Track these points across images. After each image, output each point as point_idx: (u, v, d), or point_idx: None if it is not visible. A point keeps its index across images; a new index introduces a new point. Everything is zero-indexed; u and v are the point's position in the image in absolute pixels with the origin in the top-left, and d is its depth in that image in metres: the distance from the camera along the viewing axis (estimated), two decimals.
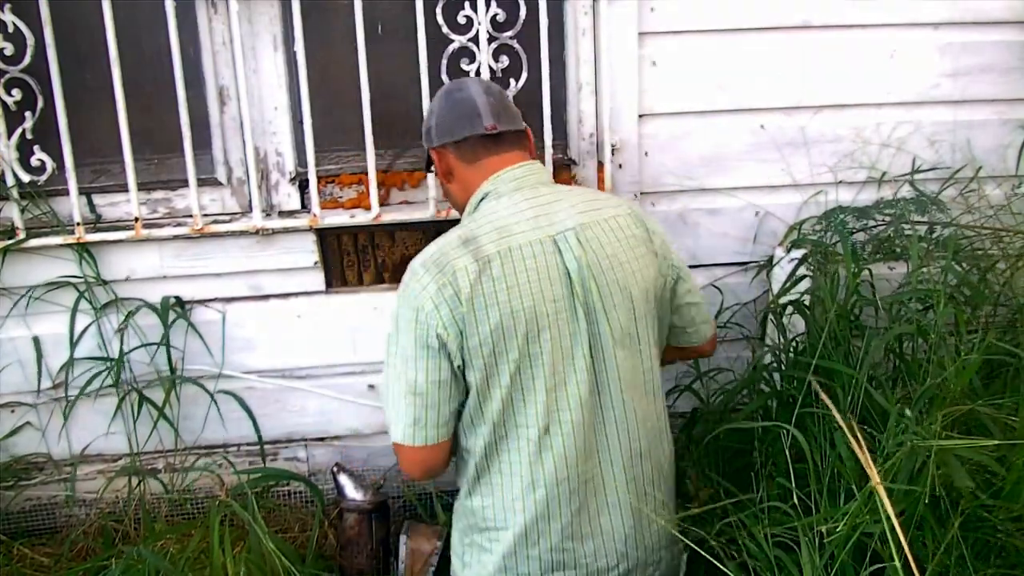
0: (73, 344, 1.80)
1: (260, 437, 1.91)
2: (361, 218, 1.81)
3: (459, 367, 1.27)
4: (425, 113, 1.51)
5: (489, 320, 1.24)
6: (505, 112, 1.38)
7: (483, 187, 1.36)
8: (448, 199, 1.53)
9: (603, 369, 1.30)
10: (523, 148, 1.40)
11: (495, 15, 1.75)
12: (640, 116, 1.83)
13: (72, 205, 1.73)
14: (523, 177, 1.35)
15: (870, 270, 1.78)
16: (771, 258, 1.88)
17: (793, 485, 1.29)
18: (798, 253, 1.81)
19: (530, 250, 1.27)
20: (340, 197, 1.90)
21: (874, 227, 1.83)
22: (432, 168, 1.47)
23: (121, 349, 1.80)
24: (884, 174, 1.90)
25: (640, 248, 1.35)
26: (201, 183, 1.82)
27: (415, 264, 1.31)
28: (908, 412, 1.22)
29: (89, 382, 1.80)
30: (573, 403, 1.28)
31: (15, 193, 1.73)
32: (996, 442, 1.12)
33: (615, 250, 1.31)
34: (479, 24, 1.73)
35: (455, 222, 1.90)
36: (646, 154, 1.86)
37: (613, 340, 1.29)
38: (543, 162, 1.81)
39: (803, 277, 1.76)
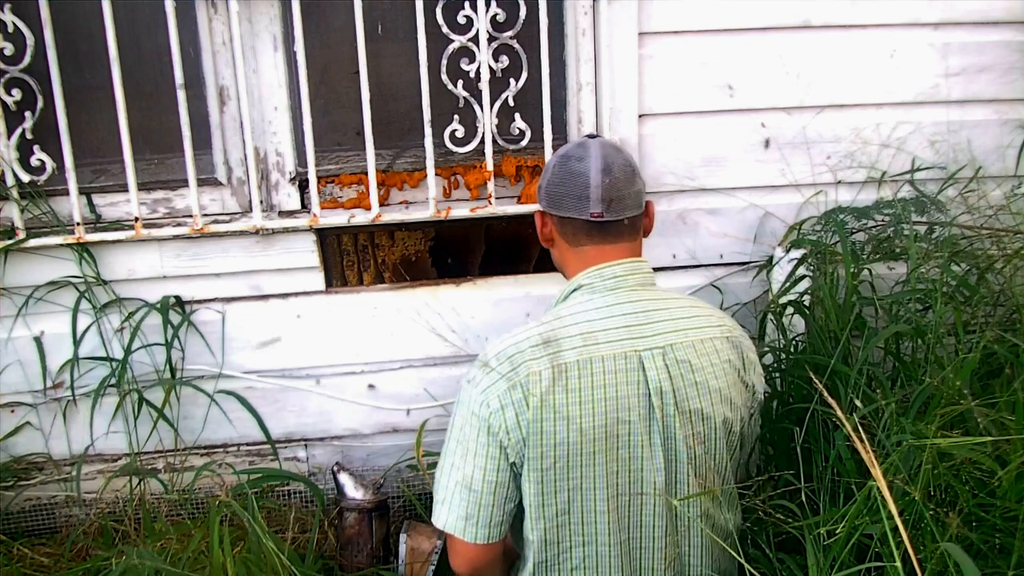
0: (76, 344, 1.80)
1: (268, 436, 1.92)
2: (361, 218, 1.81)
3: (516, 469, 1.23)
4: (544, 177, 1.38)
5: (556, 434, 1.18)
6: (619, 198, 1.28)
7: (578, 278, 1.30)
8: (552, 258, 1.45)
9: (675, 495, 1.25)
10: (632, 238, 1.31)
11: (495, 15, 1.75)
12: (640, 116, 1.83)
13: (72, 205, 1.73)
14: (622, 276, 1.28)
15: (870, 270, 1.78)
16: (771, 258, 1.88)
17: (802, 484, 1.29)
18: (798, 253, 1.81)
19: (612, 364, 1.20)
20: (340, 197, 1.90)
21: (873, 227, 1.84)
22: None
23: (128, 348, 1.80)
24: (884, 174, 1.90)
25: (732, 376, 1.27)
26: (201, 183, 1.82)
27: (488, 354, 1.25)
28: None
29: (101, 384, 1.80)
30: (645, 531, 1.25)
31: (15, 193, 1.73)
32: (991, 439, 1.12)
33: (705, 376, 1.24)
34: (479, 24, 1.73)
35: (455, 222, 1.92)
36: (646, 154, 1.86)
37: (691, 468, 1.24)
38: (544, 164, 1.82)
39: (803, 277, 1.77)
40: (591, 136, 1.39)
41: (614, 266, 1.29)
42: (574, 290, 1.31)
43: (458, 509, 1.25)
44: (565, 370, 1.19)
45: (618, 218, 1.29)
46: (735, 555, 1.22)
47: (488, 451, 1.22)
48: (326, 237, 1.88)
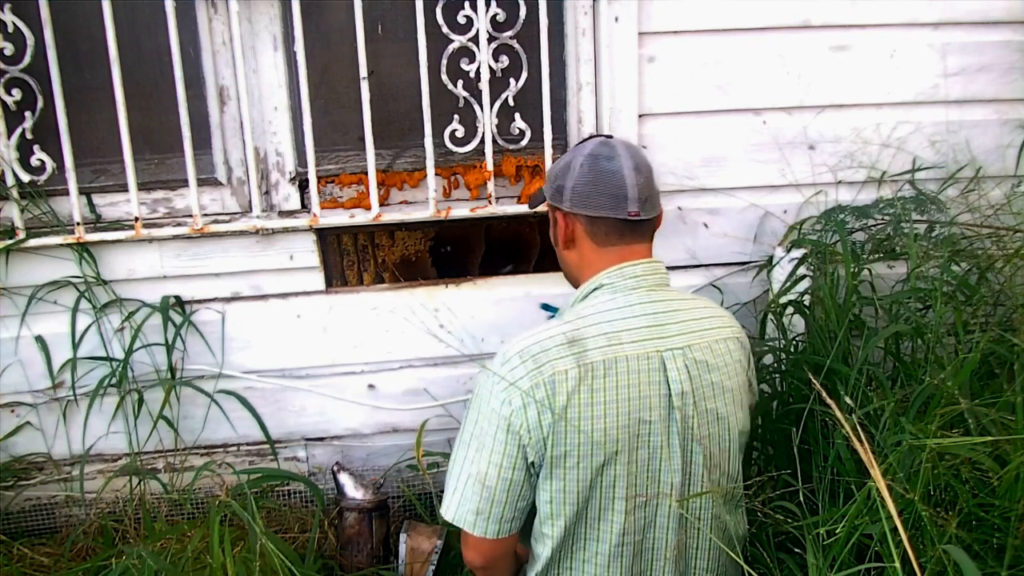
0: (75, 344, 1.80)
1: (268, 436, 1.92)
2: (361, 218, 1.81)
3: (534, 469, 1.23)
4: (549, 167, 1.36)
5: (580, 433, 1.18)
6: (650, 197, 1.29)
7: (600, 277, 1.29)
8: (560, 261, 1.41)
9: (692, 496, 1.25)
10: (651, 238, 1.33)
11: (495, 15, 1.75)
12: (640, 116, 1.83)
13: (72, 205, 1.73)
14: (643, 276, 1.28)
15: (870, 270, 1.78)
16: (771, 258, 1.88)
17: (800, 484, 1.29)
18: (798, 253, 1.81)
19: (636, 364, 1.21)
20: (340, 197, 1.90)
21: (874, 226, 1.84)
22: (537, 214, 1.36)
23: (130, 349, 1.80)
24: (884, 174, 1.90)
25: (741, 376, 1.29)
26: (201, 183, 1.82)
27: (511, 351, 1.24)
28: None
29: (101, 384, 1.80)
30: (659, 531, 1.25)
31: (15, 193, 1.73)
32: (991, 438, 1.12)
33: (720, 377, 1.25)
34: (479, 24, 1.73)
35: (454, 222, 1.92)
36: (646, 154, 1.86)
37: (706, 470, 1.25)
38: (544, 163, 1.82)
39: (803, 277, 1.77)
40: (607, 136, 1.39)
41: (634, 266, 1.29)
42: (595, 289, 1.30)
43: (469, 503, 1.24)
44: (591, 370, 1.19)
45: (650, 217, 1.30)
46: (737, 559, 1.22)
47: (506, 449, 1.21)
48: (326, 237, 1.88)
